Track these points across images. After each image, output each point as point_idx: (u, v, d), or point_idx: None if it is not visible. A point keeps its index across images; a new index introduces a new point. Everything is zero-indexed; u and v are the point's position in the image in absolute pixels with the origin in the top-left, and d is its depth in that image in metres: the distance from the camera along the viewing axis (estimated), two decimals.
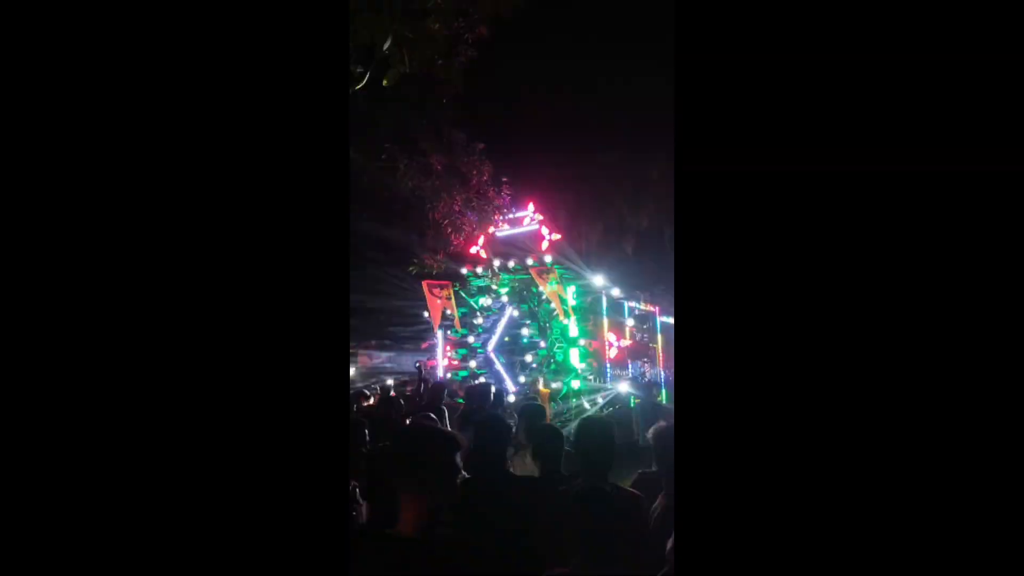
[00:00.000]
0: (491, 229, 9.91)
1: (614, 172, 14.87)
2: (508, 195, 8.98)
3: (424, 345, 10.93)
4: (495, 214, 8.98)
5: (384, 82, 3.33)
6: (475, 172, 8.49)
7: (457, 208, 8.53)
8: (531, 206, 10.31)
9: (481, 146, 8.41)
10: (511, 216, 10.18)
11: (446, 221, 8.58)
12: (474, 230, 8.92)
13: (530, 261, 9.54)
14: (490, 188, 8.72)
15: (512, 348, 9.93)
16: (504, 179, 8.93)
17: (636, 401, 8.86)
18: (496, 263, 10.05)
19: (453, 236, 8.77)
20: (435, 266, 9.24)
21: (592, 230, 14.39)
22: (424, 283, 9.87)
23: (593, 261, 11.01)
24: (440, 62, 3.85)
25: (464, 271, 10.22)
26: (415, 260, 9.31)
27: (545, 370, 9.40)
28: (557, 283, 9.31)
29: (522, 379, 9.28)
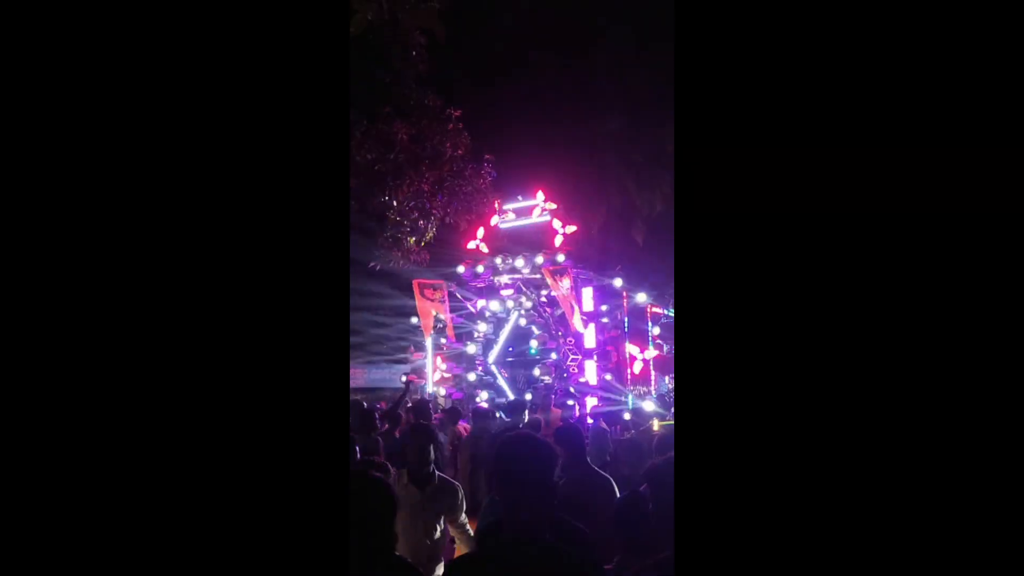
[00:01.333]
0: (494, 220, 8.55)
1: (619, 142, 13.21)
2: (490, 175, 7.53)
3: (414, 355, 9.49)
4: (474, 198, 7.48)
5: (352, 29, 2.90)
6: (449, 145, 7.04)
7: (426, 189, 7.06)
8: (540, 194, 8.94)
9: (457, 112, 7.01)
10: (519, 205, 8.85)
11: (411, 204, 7.10)
12: (447, 217, 7.48)
13: (540, 259, 8.35)
14: (468, 166, 7.25)
15: (517, 361, 8.89)
16: (487, 156, 7.52)
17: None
18: (499, 260, 8.81)
19: (421, 223, 7.25)
20: (401, 260, 7.77)
21: (594, 216, 12.71)
22: (415, 282, 8.58)
23: (601, 255, 9.70)
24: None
25: (460, 269, 8.83)
26: (377, 252, 7.80)
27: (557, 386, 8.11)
28: (571, 285, 7.99)
29: (528, 396, 7.96)
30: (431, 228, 7.44)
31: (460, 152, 7.12)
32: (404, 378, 7.78)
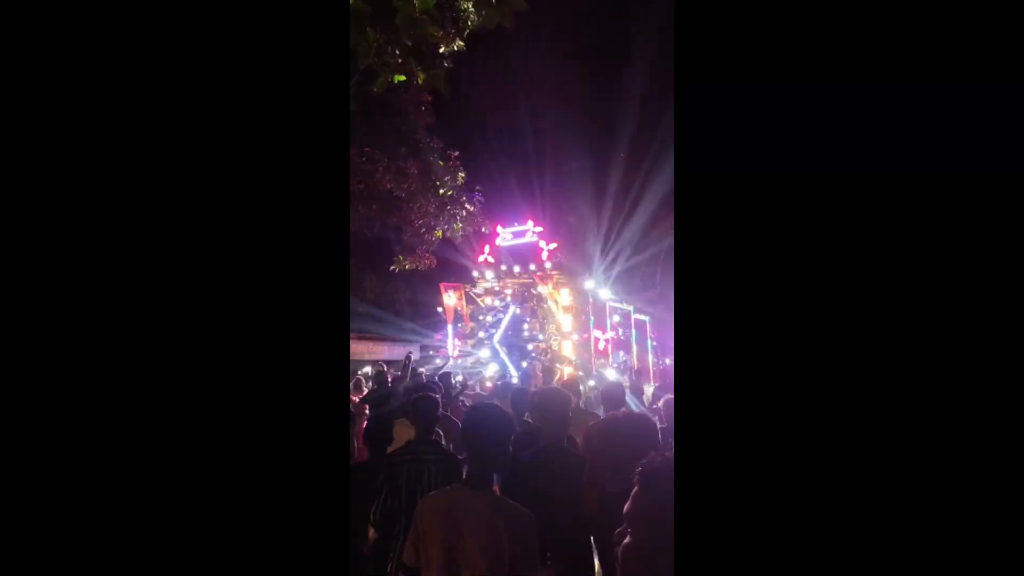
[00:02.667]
0: (498, 240, 11.63)
1: (577, 178, 17.34)
2: (480, 201, 9.49)
3: (436, 337, 12.66)
4: (468, 218, 9.36)
5: (376, 88, 3.42)
6: (449, 178, 8.76)
7: (431, 210, 8.87)
8: (530, 222, 12.16)
9: (455, 153, 8.79)
10: (515, 229, 12.06)
11: (420, 222, 8.97)
12: (447, 232, 9.36)
13: (532, 267, 11.34)
14: (463, 194, 9.08)
15: (514, 340, 11.70)
16: (478, 187, 9.55)
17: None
18: (503, 267, 11.87)
19: (427, 236, 9.18)
20: (415, 264, 9.58)
21: (556, 232, 16.40)
22: (440, 285, 11.67)
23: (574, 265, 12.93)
24: (419, 69, 3.64)
25: (474, 274, 12.02)
26: (396, 258, 9.71)
27: (542, 359, 11.27)
28: (553, 287, 11.21)
29: (524, 364, 11.10)
30: (435, 240, 9.39)
31: (457, 183, 8.83)
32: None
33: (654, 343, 13.57)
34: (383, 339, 16.31)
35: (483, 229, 10.81)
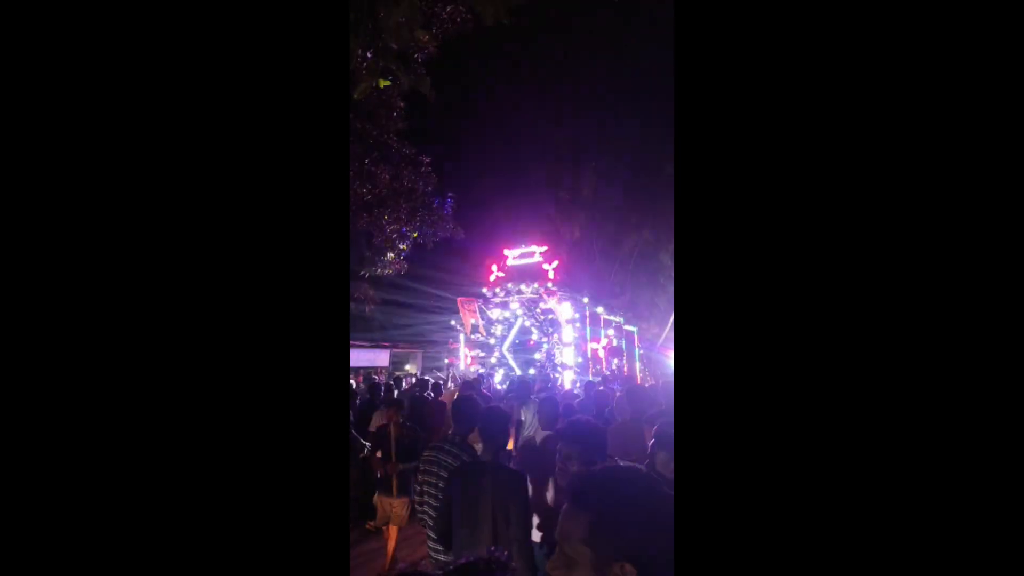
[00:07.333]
0: (507, 255, 13.13)
1: (546, 184, 19.15)
2: (451, 208, 9.55)
3: (451, 345, 14.16)
4: (439, 224, 9.38)
5: (356, 95, 3.31)
6: (420, 183, 8.75)
7: (403, 216, 8.92)
8: (544, 247, 13.73)
9: (427, 159, 8.81)
10: (522, 250, 13.65)
11: (392, 228, 9.01)
12: (419, 237, 9.41)
13: (536, 285, 13.00)
14: (435, 199, 9.16)
15: (520, 348, 13.37)
16: (449, 193, 9.67)
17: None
18: (510, 285, 13.44)
19: (398, 241, 9.26)
20: (387, 269, 9.49)
21: (558, 252, 17.81)
22: (458, 300, 13.20)
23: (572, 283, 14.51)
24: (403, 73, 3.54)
25: (485, 290, 13.58)
26: (366, 263, 9.66)
27: (547, 365, 12.84)
28: (557, 301, 12.79)
29: (531, 371, 12.67)
30: (407, 245, 9.32)
31: (429, 188, 8.82)
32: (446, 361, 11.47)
33: (641, 351, 15.29)
34: (353, 345, 17.33)
35: (458, 235, 10.74)
